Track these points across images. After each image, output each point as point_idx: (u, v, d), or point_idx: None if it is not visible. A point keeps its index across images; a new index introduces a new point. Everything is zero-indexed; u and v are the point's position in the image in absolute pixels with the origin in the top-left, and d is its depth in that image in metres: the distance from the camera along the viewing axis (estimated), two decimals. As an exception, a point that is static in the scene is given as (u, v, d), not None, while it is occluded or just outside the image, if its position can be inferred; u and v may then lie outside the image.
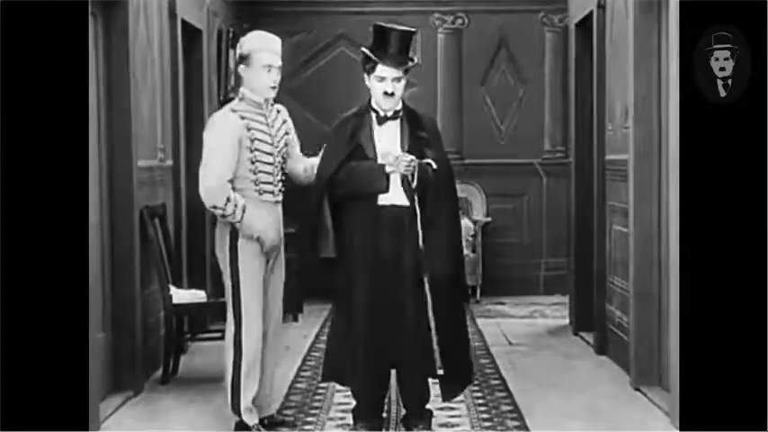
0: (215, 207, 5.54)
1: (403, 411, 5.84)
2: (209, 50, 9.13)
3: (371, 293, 5.58)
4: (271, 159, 5.64)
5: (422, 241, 5.50)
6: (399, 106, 5.68)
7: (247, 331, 5.64)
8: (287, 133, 5.81)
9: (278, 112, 5.81)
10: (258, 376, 5.72)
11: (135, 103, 6.74)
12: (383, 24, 5.67)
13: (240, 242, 5.64)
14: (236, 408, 5.69)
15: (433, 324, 5.45)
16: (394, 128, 5.66)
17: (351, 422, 5.84)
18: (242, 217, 5.52)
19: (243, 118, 5.59)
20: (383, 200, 5.60)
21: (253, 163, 5.59)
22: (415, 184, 5.51)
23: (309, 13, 10.97)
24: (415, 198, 5.55)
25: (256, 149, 5.58)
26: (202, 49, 8.77)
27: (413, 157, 5.51)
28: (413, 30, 5.67)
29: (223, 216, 5.58)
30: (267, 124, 5.66)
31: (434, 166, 5.58)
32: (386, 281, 5.58)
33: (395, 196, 5.59)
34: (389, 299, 5.57)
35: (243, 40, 5.74)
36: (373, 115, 5.68)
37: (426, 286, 5.46)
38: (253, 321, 5.65)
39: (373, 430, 5.71)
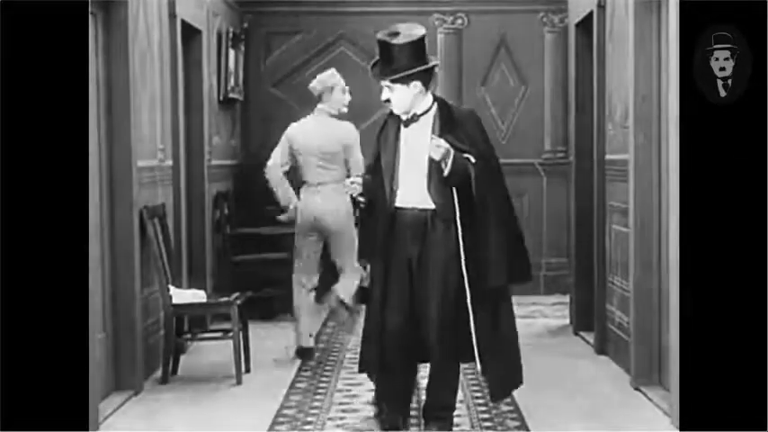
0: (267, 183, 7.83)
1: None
2: (210, 50, 9.13)
3: (388, 294, 5.63)
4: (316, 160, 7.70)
5: (463, 249, 5.52)
6: (426, 106, 5.66)
7: (295, 281, 7.84)
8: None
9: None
10: (307, 317, 7.80)
11: (135, 103, 6.74)
12: (378, 35, 5.67)
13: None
14: (298, 337, 7.78)
15: (474, 336, 5.52)
16: (421, 128, 5.65)
17: (351, 421, 5.86)
18: (287, 205, 7.83)
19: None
20: (403, 203, 5.63)
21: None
22: (447, 171, 5.48)
23: (309, 13, 10.96)
24: (455, 201, 5.54)
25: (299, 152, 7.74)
26: (202, 49, 8.77)
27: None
28: (393, 42, 5.59)
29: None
30: (325, 133, 7.69)
31: (473, 160, 5.53)
32: (405, 282, 5.61)
33: (417, 200, 5.61)
34: (408, 300, 5.60)
35: (321, 78, 7.83)
36: (403, 117, 5.71)
37: (468, 299, 5.51)
38: (300, 276, 7.83)
39: (393, 429, 5.72)
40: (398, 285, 5.62)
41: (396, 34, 5.61)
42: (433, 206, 5.59)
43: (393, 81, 5.59)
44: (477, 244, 5.53)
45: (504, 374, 5.65)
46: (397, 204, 5.63)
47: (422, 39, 5.67)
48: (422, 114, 5.66)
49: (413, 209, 5.61)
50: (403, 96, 5.62)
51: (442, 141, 5.49)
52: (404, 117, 5.67)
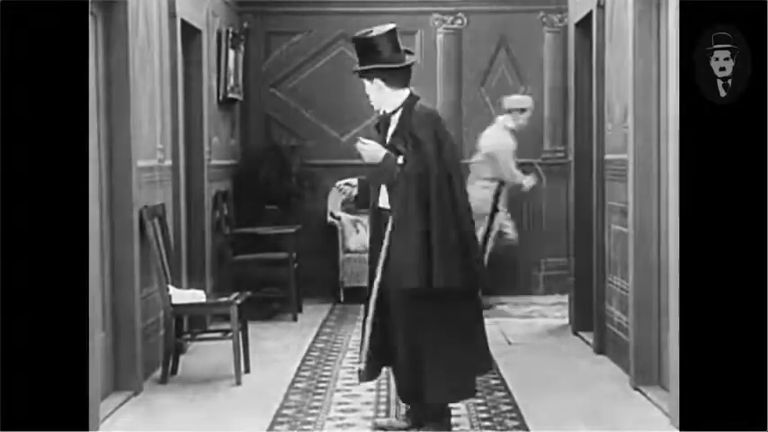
0: None
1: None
2: (209, 50, 9.13)
3: (372, 293, 5.70)
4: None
5: (386, 249, 5.60)
6: (395, 106, 5.70)
7: None
8: None
9: None
10: None
11: (134, 103, 6.74)
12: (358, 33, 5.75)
13: None
14: None
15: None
16: (389, 128, 5.74)
17: (351, 422, 5.91)
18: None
19: None
20: (380, 203, 5.71)
21: None
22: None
23: (309, 13, 10.96)
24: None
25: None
26: (202, 49, 8.77)
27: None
28: (362, 37, 5.67)
29: None
30: None
31: (400, 161, 5.58)
32: (381, 281, 5.66)
33: (384, 200, 5.69)
34: (385, 300, 5.65)
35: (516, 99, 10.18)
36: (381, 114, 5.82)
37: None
38: None
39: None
40: (376, 283, 5.68)
41: (368, 32, 5.68)
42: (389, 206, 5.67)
43: (360, 76, 5.72)
44: (402, 244, 5.55)
45: (443, 379, 5.58)
46: (380, 204, 5.72)
47: (382, 37, 5.62)
48: (391, 114, 5.71)
49: (380, 208, 5.71)
50: (371, 92, 5.72)
51: (367, 143, 5.64)
52: (381, 114, 5.77)
